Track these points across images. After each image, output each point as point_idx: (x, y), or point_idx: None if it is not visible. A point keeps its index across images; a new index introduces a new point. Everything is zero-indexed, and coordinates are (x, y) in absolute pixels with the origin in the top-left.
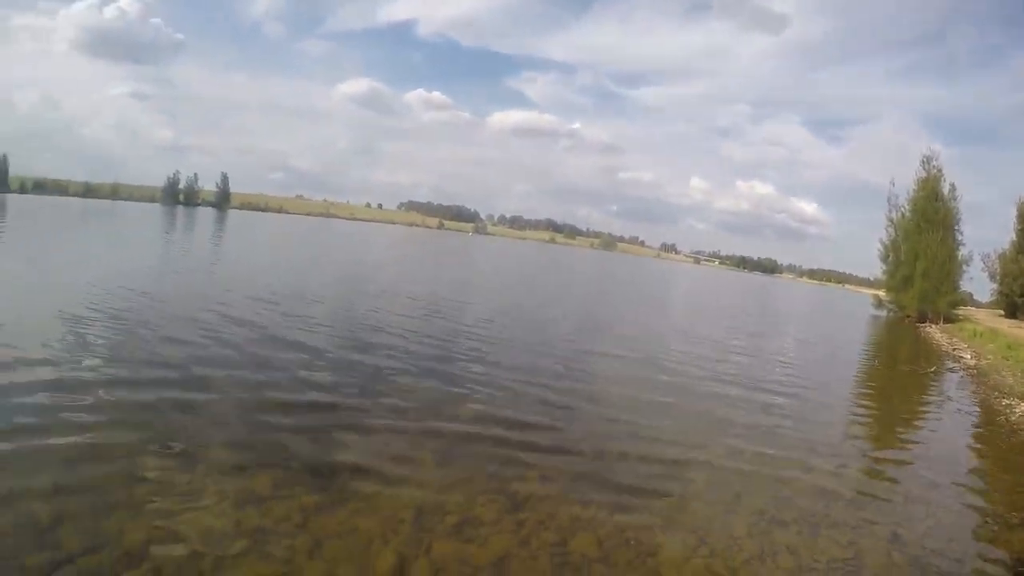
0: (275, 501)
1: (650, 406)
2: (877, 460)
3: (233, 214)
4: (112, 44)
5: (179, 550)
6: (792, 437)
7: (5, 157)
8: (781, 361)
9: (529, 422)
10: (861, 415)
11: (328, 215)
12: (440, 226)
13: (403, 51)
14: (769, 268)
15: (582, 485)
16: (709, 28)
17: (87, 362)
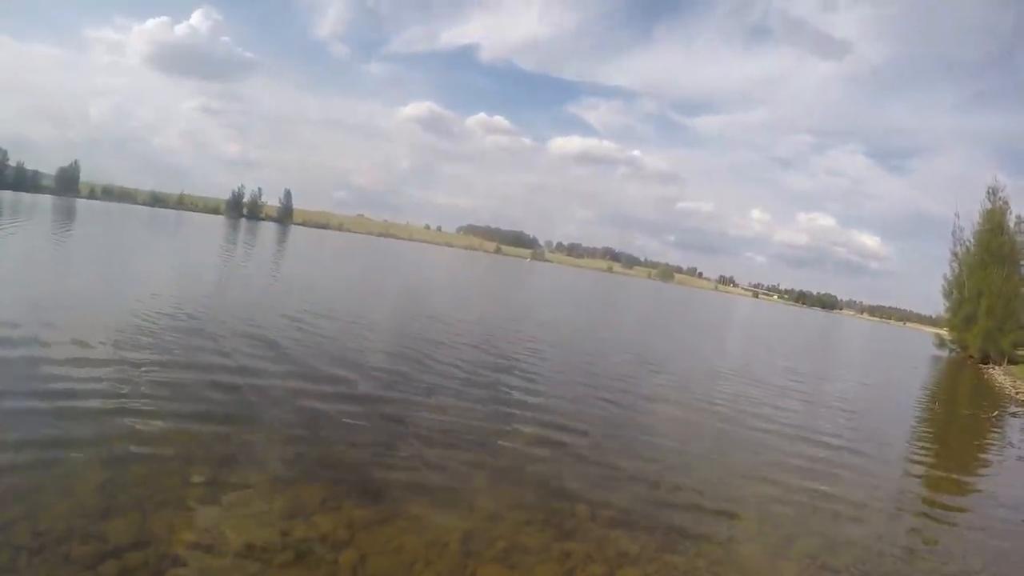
0: (323, 514)
1: (702, 443)
2: (933, 505)
3: (295, 230)
4: (183, 60)
5: (224, 556)
6: (847, 480)
7: (76, 163)
8: (837, 402)
9: (580, 452)
10: (918, 460)
11: (388, 235)
12: (498, 250)
13: (465, 75)
14: (829, 304)
15: (631, 519)
16: (770, 54)
17: (144, 366)
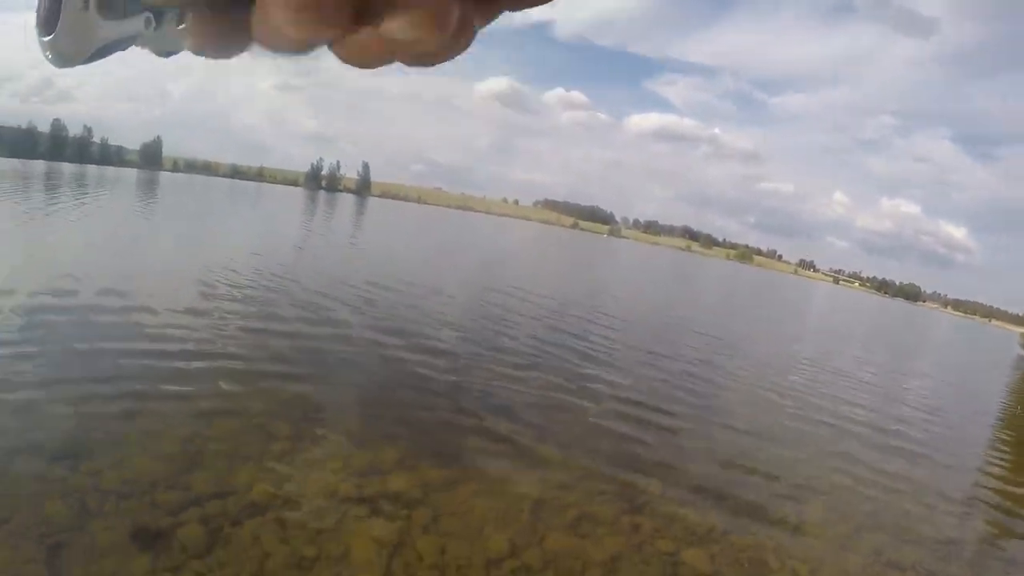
0: (398, 473)
1: (775, 429)
2: (1008, 513)
3: (373, 202)
4: None
5: (302, 508)
6: (919, 478)
7: (159, 139)
8: (915, 397)
9: (653, 427)
10: (996, 464)
11: (465, 208)
12: (574, 226)
13: (543, 51)
14: (911, 295)
15: (700, 498)
16: (853, 31)
17: (229, 326)
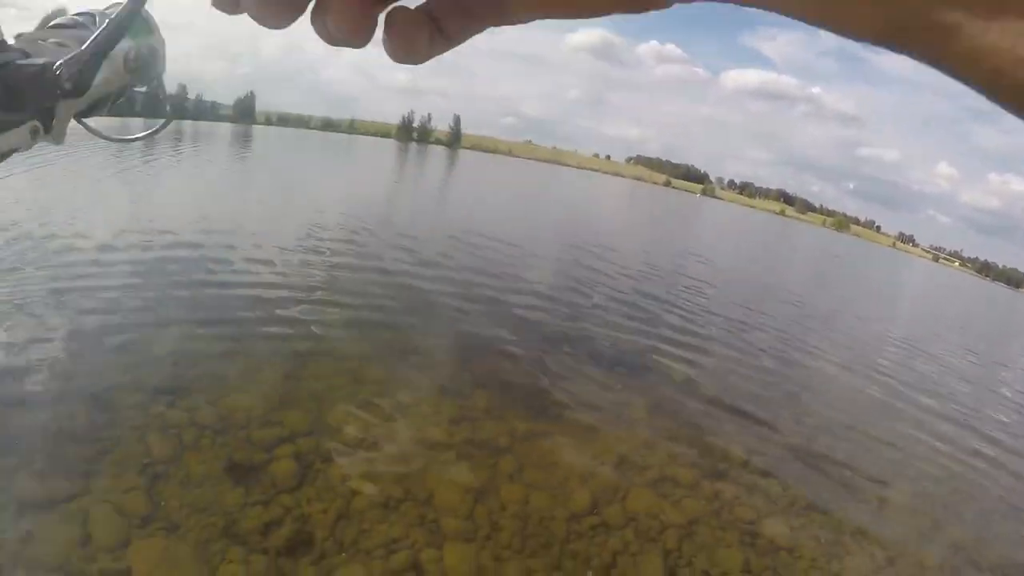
0: (486, 421)
1: (861, 409)
2: None
3: (463, 154)
4: None
5: (390, 449)
6: (1008, 476)
7: (252, 94)
8: (1012, 393)
9: (738, 394)
10: None
11: (556, 162)
12: (667, 184)
13: None
14: (1015, 280)
15: (782, 471)
16: None
17: (325, 272)
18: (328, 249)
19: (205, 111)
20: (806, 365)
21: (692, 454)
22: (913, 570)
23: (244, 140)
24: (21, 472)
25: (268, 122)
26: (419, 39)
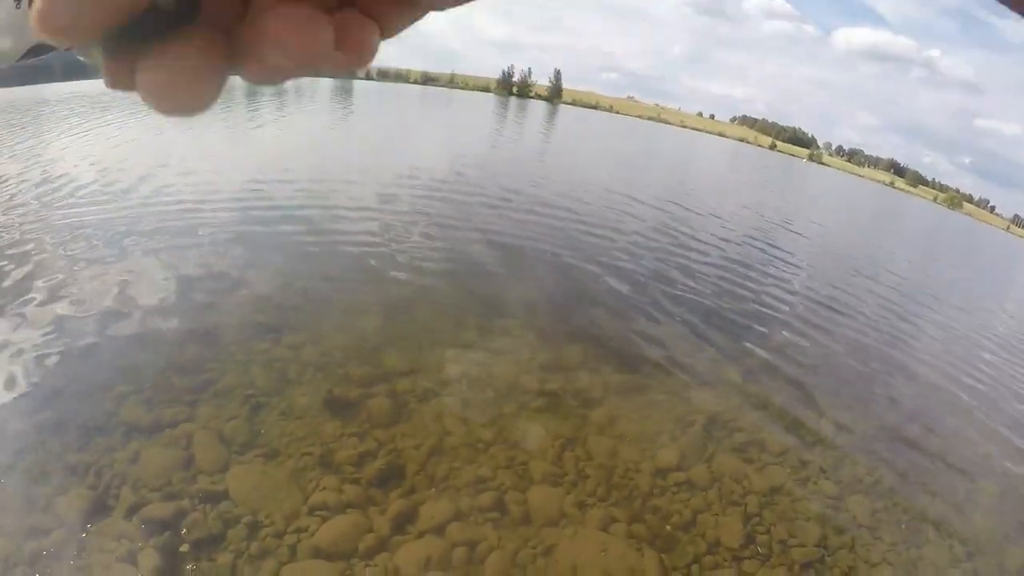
0: (581, 372)
1: (961, 398)
2: None
3: (564, 109)
4: None
5: (485, 392)
6: None
7: None
8: None
9: (834, 368)
10: None
11: (659, 120)
12: (772, 147)
13: None
14: None
15: (872, 450)
16: None
17: (426, 221)
18: (429, 200)
19: None
20: (906, 347)
21: (782, 423)
22: (993, 570)
23: (345, 95)
24: (131, 398)
25: (368, 77)
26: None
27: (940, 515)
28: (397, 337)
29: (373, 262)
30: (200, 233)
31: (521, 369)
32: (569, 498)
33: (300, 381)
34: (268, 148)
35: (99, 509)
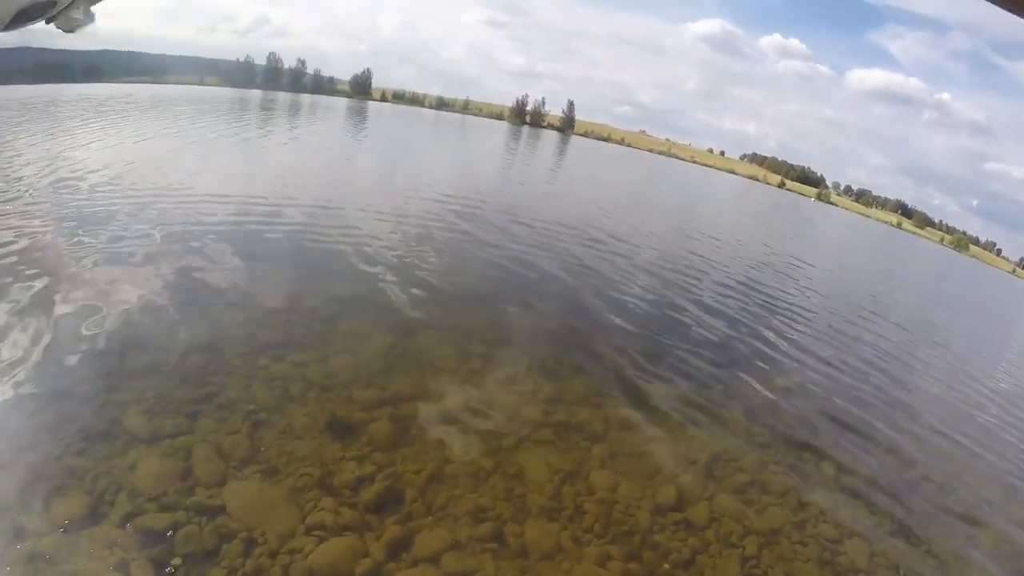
0: (583, 406)
1: (964, 440)
2: None
3: (577, 140)
4: None
5: (488, 421)
6: None
7: (368, 71)
8: None
9: (837, 410)
10: None
11: (669, 155)
12: (781, 184)
13: None
14: None
15: (872, 493)
16: None
17: (435, 246)
18: (440, 226)
19: (323, 85)
20: (910, 388)
21: (784, 463)
22: None
23: (359, 115)
24: (133, 407)
25: (383, 99)
26: None
27: (940, 560)
28: (402, 361)
29: (381, 284)
30: (209, 243)
31: (524, 400)
32: (566, 533)
33: (303, 400)
34: (281, 164)
35: (94, 515)
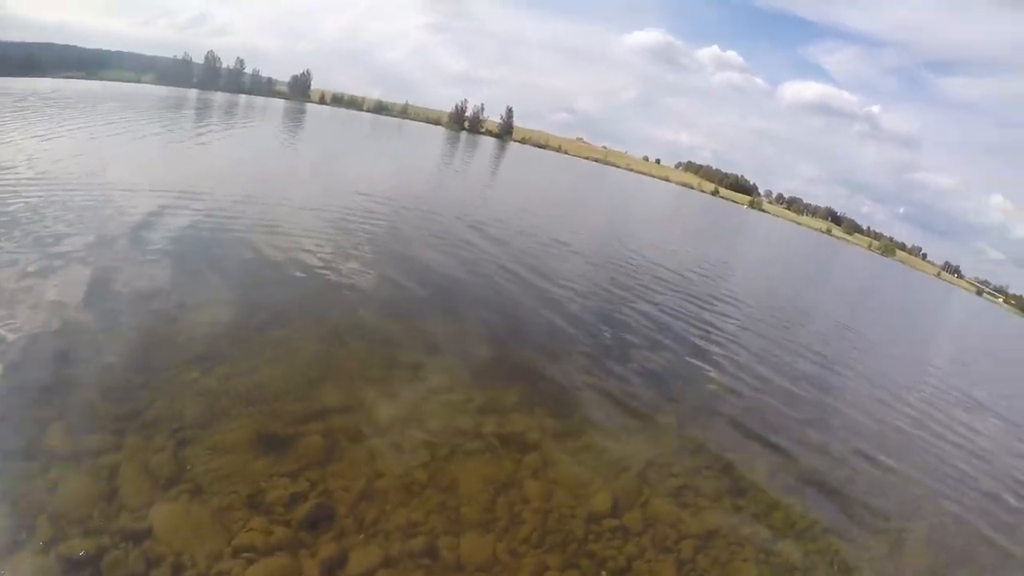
0: (516, 415)
1: (890, 440)
2: None
3: (513, 146)
4: None
5: (419, 433)
6: None
7: (308, 72)
8: None
9: (769, 412)
10: None
11: (605, 162)
12: (715, 192)
13: (699, 4)
14: None
15: (805, 493)
16: None
17: (365, 253)
18: (371, 232)
19: (261, 86)
20: (840, 387)
21: (716, 468)
22: None
23: (296, 117)
24: (54, 424)
25: (322, 101)
26: None
27: (872, 556)
28: (332, 372)
29: (310, 291)
30: (135, 248)
31: (456, 410)
32: (502, 545)
33: (230, 415)
34: (211, 165)
35: (13, 542)
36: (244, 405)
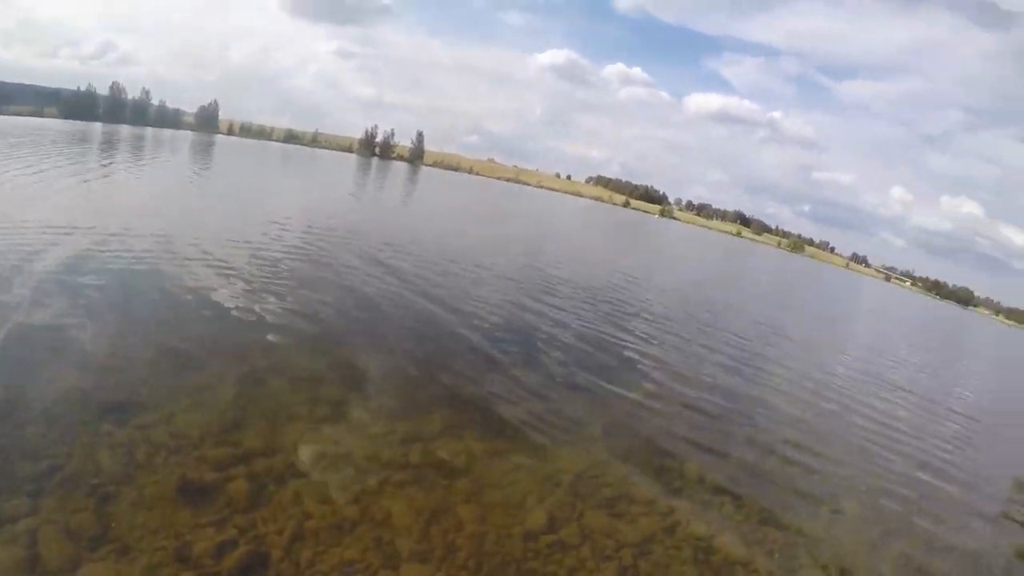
0: (443, 441)
1: (814, 424)
2: None
3: (425, 170)
4: (319, 4)
5: (346, 470)
6: (955, 488)
7: (215, 102)
8: (959, 406)
9: (693, 414)
10: None
11: (518, 181)
12: (626, 204)
13: (603, 24)
14: (964, 298)
15: (737, 487)
16: (928, 20)
17: (277, 287)
18: (285, 265)
19: (168, 117)
20: (762, 380)
21: (647, 473)
22: None
23: (205, 149)
24: None
25: (231, 131)
26: None
27: (811, 538)
28: (252, 413)
29: (224, 330)
30: (34, 293)
31: (380, 442)
32: (440, 573)
33: (151, 466)
34: (117, 198)
35: None
36: (165, 454)
